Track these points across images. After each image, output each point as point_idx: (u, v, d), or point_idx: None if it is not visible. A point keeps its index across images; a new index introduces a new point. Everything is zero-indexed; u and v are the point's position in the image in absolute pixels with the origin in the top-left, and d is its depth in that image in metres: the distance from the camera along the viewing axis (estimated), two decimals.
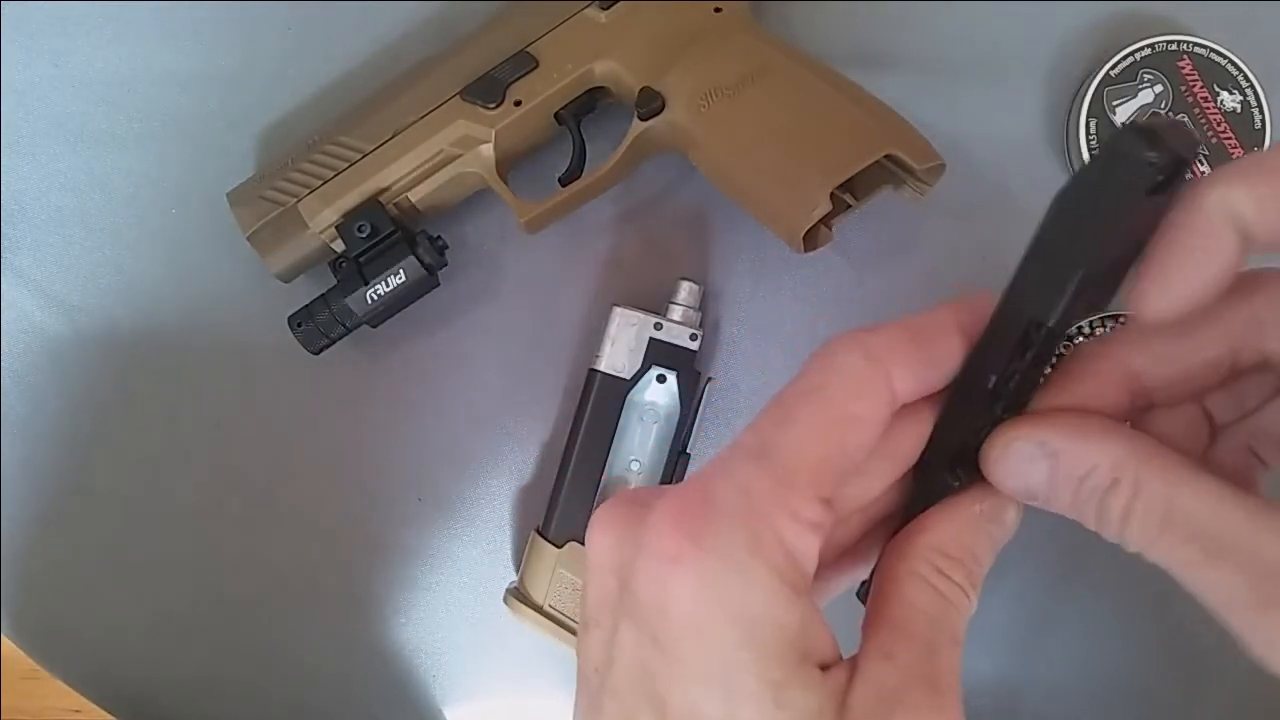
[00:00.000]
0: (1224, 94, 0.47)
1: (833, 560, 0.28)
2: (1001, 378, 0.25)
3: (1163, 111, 0.48)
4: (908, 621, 0.24)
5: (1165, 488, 0.23)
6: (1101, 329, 0.48)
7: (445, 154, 0.47)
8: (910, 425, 0.27)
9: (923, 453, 0.27)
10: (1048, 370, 0.27)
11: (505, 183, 0.47)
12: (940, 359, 0.25)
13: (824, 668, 0.23)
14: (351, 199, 0.47)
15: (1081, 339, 0.48)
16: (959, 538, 0.26)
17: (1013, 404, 0.26)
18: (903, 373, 0.24)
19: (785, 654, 0.22)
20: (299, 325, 0.48)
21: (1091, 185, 0.21)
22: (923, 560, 0.25)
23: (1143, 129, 0.20)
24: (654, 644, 0.23)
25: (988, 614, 0.51)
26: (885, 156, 0.43)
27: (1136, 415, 0.27)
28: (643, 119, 0.46)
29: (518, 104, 0.47)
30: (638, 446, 0.48)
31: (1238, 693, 0.50)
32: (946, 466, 0.27)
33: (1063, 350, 0.48)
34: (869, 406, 0.24)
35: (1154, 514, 0.23)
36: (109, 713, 0.53)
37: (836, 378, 0.24)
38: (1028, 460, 0.25)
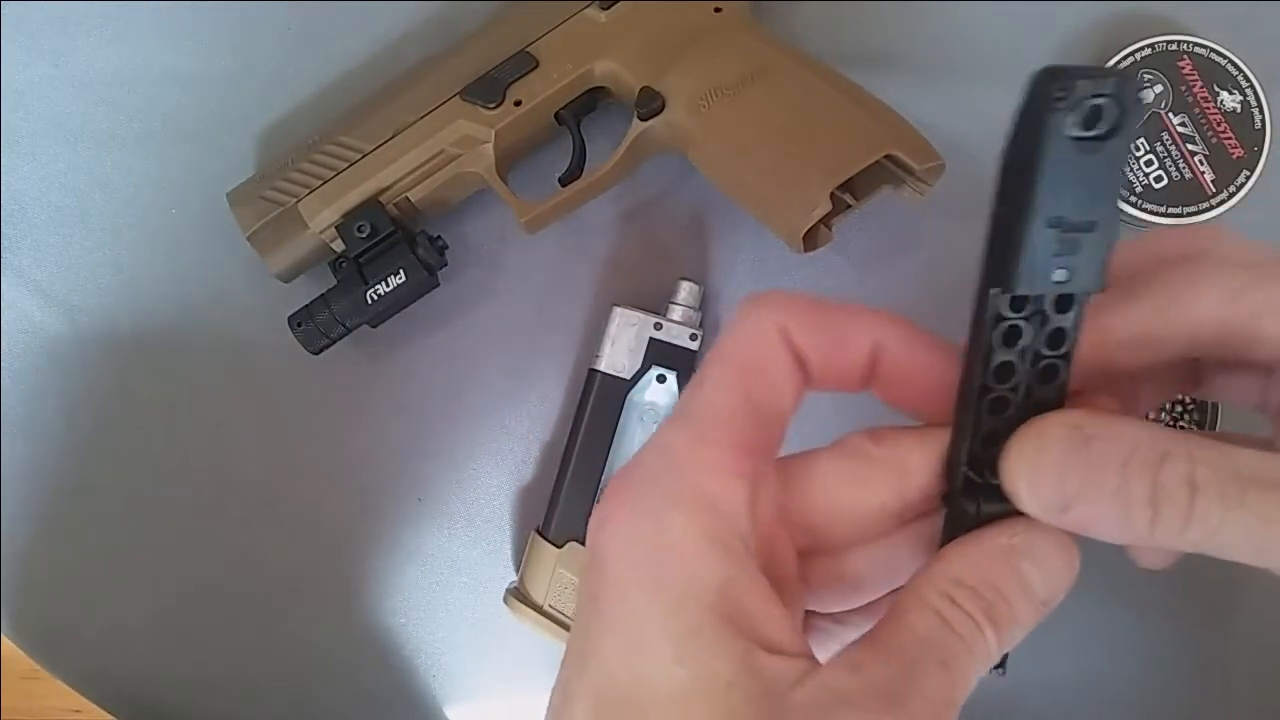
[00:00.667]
0: (1224, 94, 0.47)
1: (870, 612, 0.27)
2: (992, 371, 0.23)
3: (1162, 111, 0.48)
4: (892, 638, 0.22)
5: (1220, 452, 0.21)
6: None
7: (445, 154, 0.47)
8: (915, 441, 0.25)
9: (949, 482, 0.25)
10: (1061, 378, 0.24)
11: (505, 183, 0.47)
12: (831, 317, 0.24)
13: (771, 651, 0.22)
14: (351, 199, 0.47)
15: None
16: (978, 568, 0.23)
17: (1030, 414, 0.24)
18: (793, 319, 0.24)
19: (695, 609, 0.22)
20: (299, 325, 0.48)
21: (1018, 134, 0.21)
22: (931, 587, 0.23)
23: (1051, 69, 0.20)
24: (591, 604, 0.23)
25: None
26: (885, 156, 0.43)
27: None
28: (643, 119, 0.46)
29: (518, 104, 0.47)
30: (638, 446, 0.48)
31: (1237, 693, 0.50)
32: (964, 491, 0.24)
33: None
34: (765, 353, 0.24)
35: (1223, 477, 0.21)
36: (109, 713, 0.53)
37: (734, 332, 0.24)
38: (1060, 453, 0.22)
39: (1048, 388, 0.23)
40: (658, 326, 0.48)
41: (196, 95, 0.51)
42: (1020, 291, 0.22)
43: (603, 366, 0.48)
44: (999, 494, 0.23)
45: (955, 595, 0.22)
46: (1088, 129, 0.20)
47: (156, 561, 0.52)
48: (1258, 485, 0.21)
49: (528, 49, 0.47)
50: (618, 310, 0.48)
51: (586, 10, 0.47)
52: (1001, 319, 0.23)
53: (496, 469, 0.52)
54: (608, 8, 0.47)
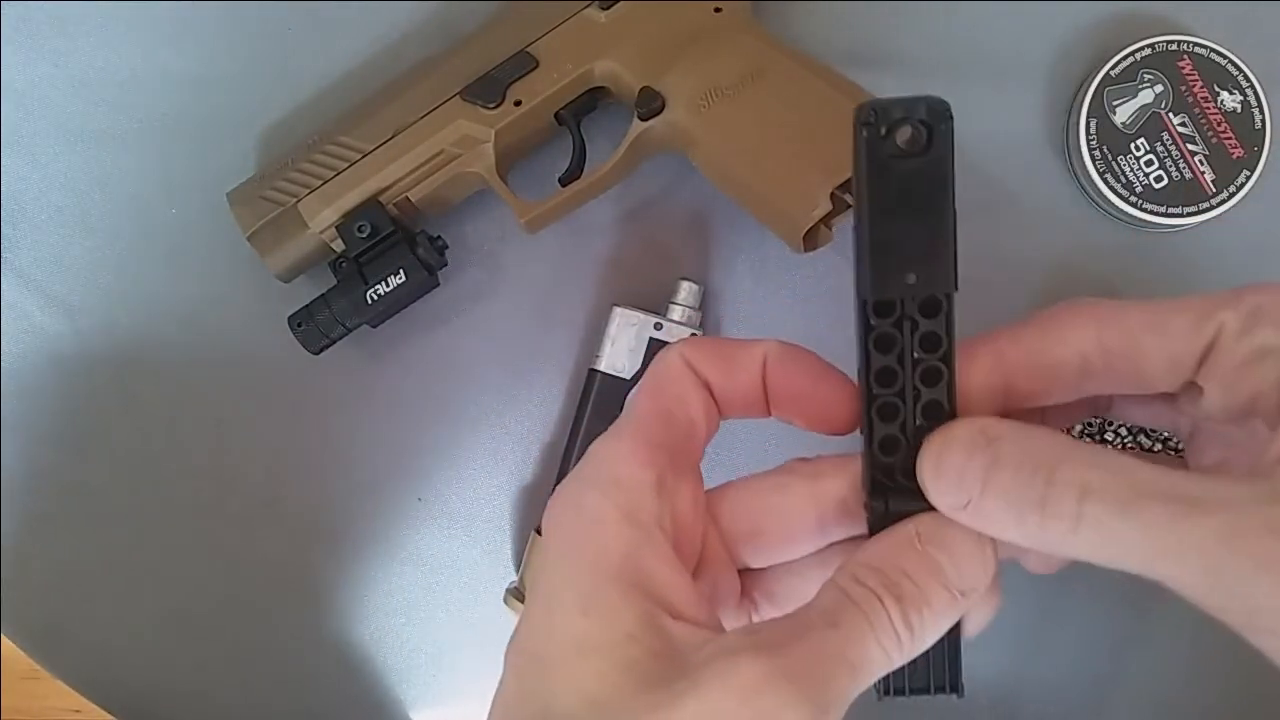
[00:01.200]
0: (1224, 94, 0.47)
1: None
2: (874, 377, 0.25)
3: (1162, 111, 0.48)
4: (796, 612, 0.24)
5: (1121, 464, 0.22)
6: None
7: (445, 154, 0.47)
8: (834, 459, 0.28)
9: (864, 488, 0.26)
10: (944, 383, 0.25)
11: (505, 183, 0.47)
12: (724, 348, 0.28)
13: (675, 617, 0.24)
14: (351, 199, 0.47)
15: None
16: (884, 551, 0.25)
17: (923, 421, 0.25)
18: (691, 349, 0.28)
19: (603, 572, 0.24)
20: (299, 325, 0.48)
21: (854, 160, 0.23)
22: (841, 571, 0.25)
23: (865, 105, 0.23)
24: (532, 584, 0.27)
25: None
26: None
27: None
28: (643, 119, 0.46)
29: (518, 104, 0.47)
30: None
31: (1237, 692, 0.50)
32: (872, 492, 0.26)
33: None
34: (670, 375, 0.28)
35: (1118, 485, 0.22)
36: (109, 713, 0.53)
37: (651, 368, 0.28)
38: (963, 453, 0.24)
39: (934, 390, 0.25)
40: (658, 326, 0.48)
41: (196, 95, 0.51)
42: (872, 296, 0.24)
43: (603, 366, 0.48)
44: (909, 495, 0.25)
45: (859, 574, 0.24)
46: (905, 149, 0.23)
47: (156, 561, 0.52)
48: (1151, 497, 0.21)
49: (528, 49, 0.47)
50: (618, 310, 0.48)
51: (586, 10, 0.47)
52: (871, 326, 0.25)
53: (496, 469, 0.52)
54: (608, 8, 0.47)
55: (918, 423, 0.25)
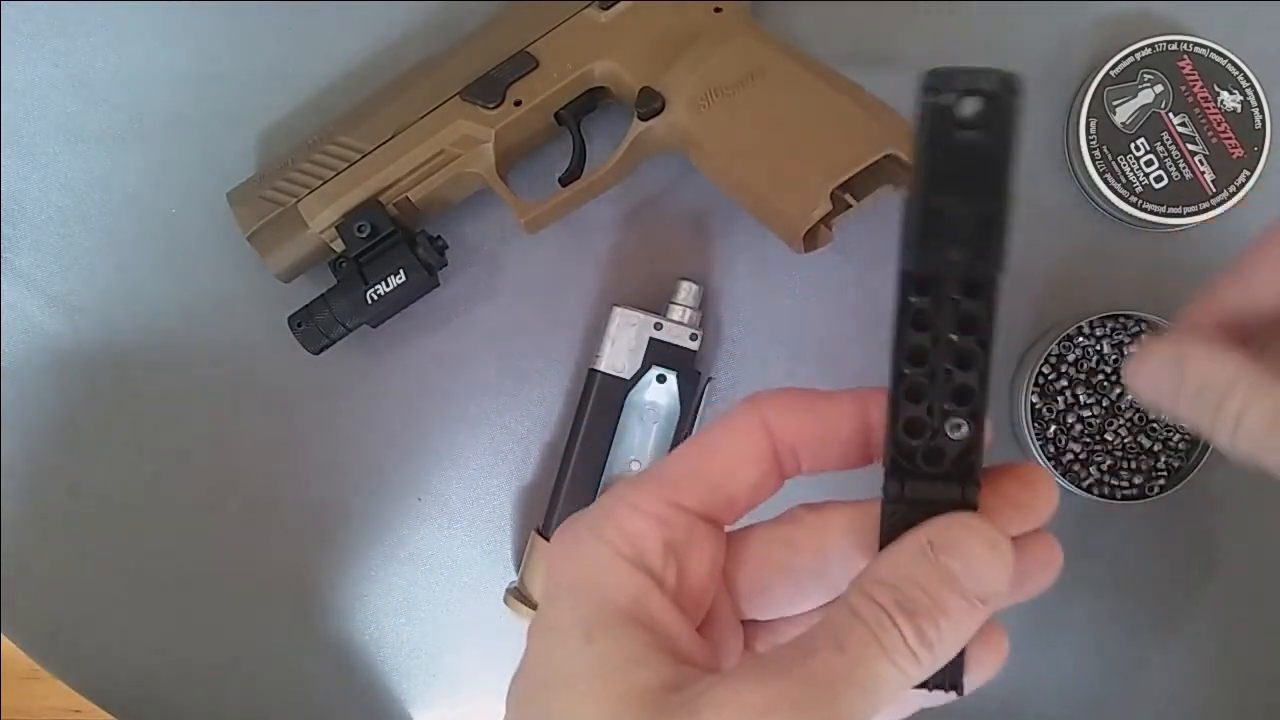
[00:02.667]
0: (1224, 94, 0.47)
1: None
2: (906, 355, 0.24)
3: (1162, 111, 0.48)
4: (803, 635, 0.23)
5: (1273, 396, 0.26)
6: (1102, 329, 0.48)
7: (445, 154, 0.47)
8: (842, 508, 0.27)
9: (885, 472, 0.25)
10: (977, 363, 0.24)
11: (505, 183, 0.47)
12: (817, 403, 0.27)
13: (681, 660, 0.24)
14: (351, 199, 0.47)
15: (1096, 341, 0.48)
16: (896, 564, 0.24)
17: (957, 408, 0.24)
18: (776, 411, 0.26)
19: (602, 605, 0.24)
20: (299, 325, 0.48)
21: (916, 127, 0.22)
22: (852, 588, 0.24)
23: (934, 71, 0.22)
24: (535, 618, 0.26)
25: None
26: (885, 156, 0.43)
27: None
28: (643, 119, 0.46)
29: (518, 104, 0.47)
30: (638, 446, 0.48)
31: (1238, 693, 0.50)
32: (891, 473, 0.25)
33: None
34: (737, 436, 0.26)
35: (1265, 416, 0.26)
36: (109, 713, 0.53)
37: (725, 420, 0.27)
38: (1159, 365, 0.28)
39: (968, 374, 0.24)
40: (658, 326, 0.48)
41: (196, 95, 0.51)
42: (916, 269, 0.23)
43: (603, 366, 0.48)
44: (928, 480, 0.24)
45: (870, 590, 0.23)
46: (969, 120, 0.22)
47: (156, 561, 0.52)
48: None
49: (528, 49, 0.47)
50: (618, 310, 0.48)
51: (586, 10, 0.47)
52: (909, 302, 0.24)
53: (496, 469, 0.52)
54: (608, 8, 0.47)
55: (946, 406, 0.24)
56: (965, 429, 0.24)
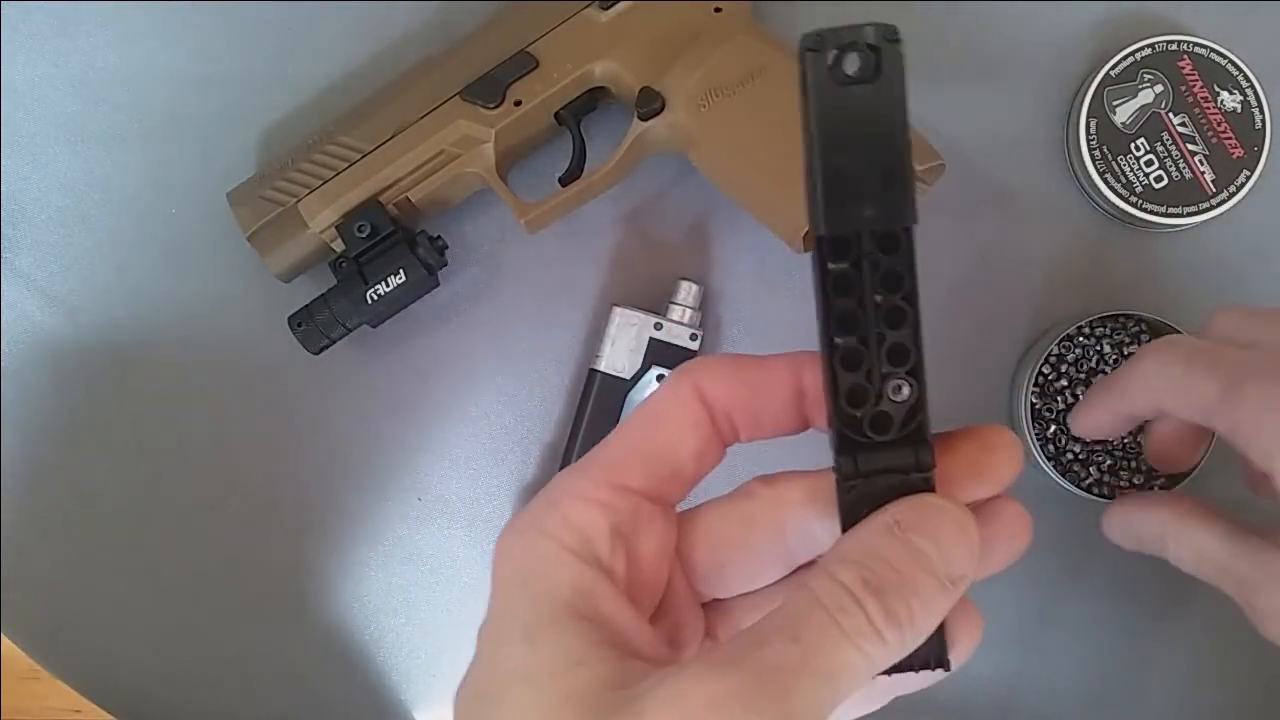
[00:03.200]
0: (1224, 94, 0.47)
1: None
2: (835, 322, 0.23)
3: (1162, 111, 0.48)
4: (765, 608, 0.23)
5: (1192, 537, 0.37)
6: (1102, 329, 0.48)
7: (445, 154, 0.47)
8: (797, 479, 0.26)
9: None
10: (902, 328, 0.24)
11: (505, 183, 0.47)
12: (747, 367, 0.26)
13: (629, 654, 0.23)
14: (351, 199, 0.47)
15: (1088, 341, 0.48)
16: (862, 542, 0.23)
17: (894, 368, 0.24)
18: (707, 376, 0.26)
19: (551, 605, 0.23)
20: (299, 325, 0.48)
21: (801, 91, 0.22)
22: (813, 570, 0.22)
23: (810, 33, 0.22)
24: (484, 618, 0.26)
25: (987, 614, 0.51)
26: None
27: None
28: (643, 119, 0.46)
29: (518, 104, 0.47)
30: None
31: (1238, 693, 0.50)
32: (840, 449, 0.24)
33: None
34: (671, 405, 0.26)
35: (1188, 551, 0.38)
36: (109, 713, 0.53)
37: (659, 393, 0.26)
38: (1120, 525, 0.41)
39: (899, 333, 0.23)
40: (658, 326, 0.48)
41: (196, 95, 0.51)
42: (827, 231, 0.23)
43: (603, 366, 0.48)
44: (880, 449, 0.24)
45: (834, 569, 0.22)
46: (855, 75, 0.22)
47: (156, 561, 0.52)
48: (1202, 563, 0.38)
49: (528, 49, 0.47)
50: (618, 310, 0.48)
51: (586, 10, 0.47)
52: (829, 268, 0.23)
53: (496, 469, 0.52)
54: (608, 8, 0.47)
55: (884, 370, 0.24)
56: (907, 389, 0.24)
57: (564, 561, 0.24)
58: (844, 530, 0.24)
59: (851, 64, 0.22)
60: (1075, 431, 0.42)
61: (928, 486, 0.24)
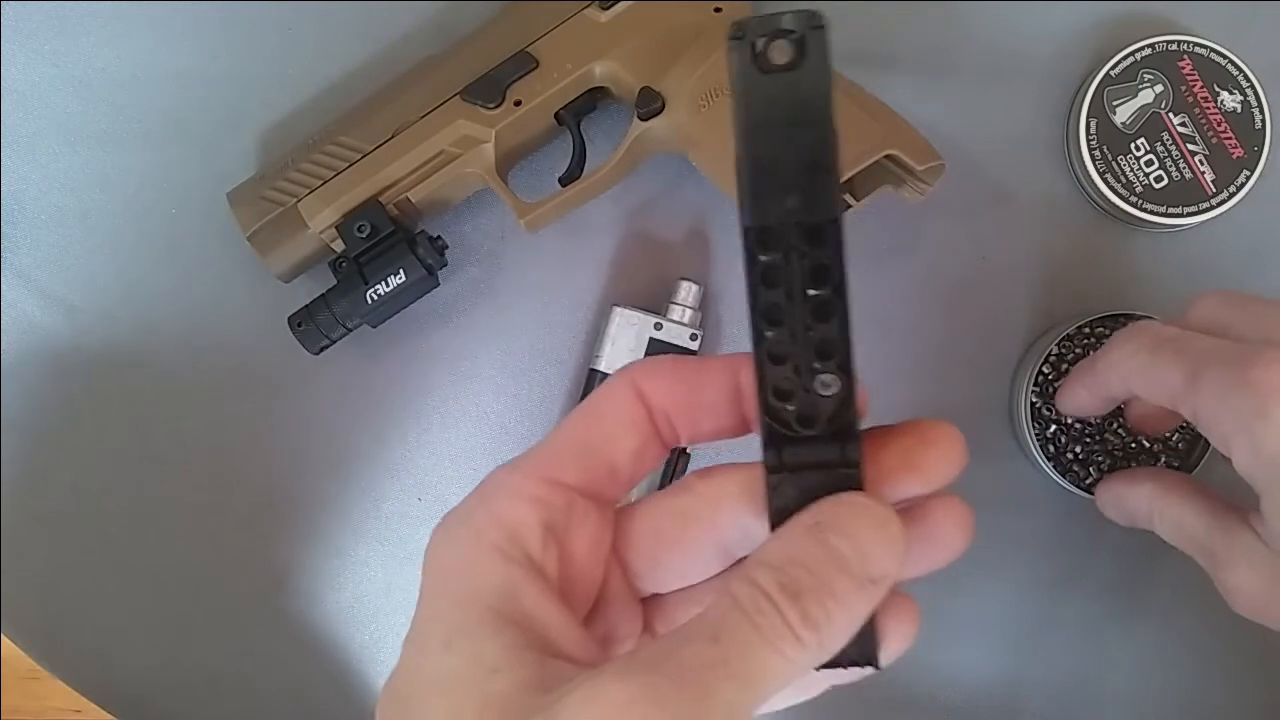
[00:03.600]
0: (1224, 94, 0.47)
1: None
2: (761, 314, 0.23)
3: (1162, 111, 0.48)
4: (704, 602, 0.23)
5: (1172, 511, 0.40)
6: (1102, 329, 0.48)
7: (445, 154, 0.47)
8: (732, 472, 0.26)
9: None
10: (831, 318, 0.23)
11: (505, 183, 0.47)
12: (685, 368, 0.26)
13: (553, 655, 0.22)
14: (351, 199, 0.47)
15: (1082, 338, 0.48)
16: (782, 546, 0.22)
17: (822, 362, 0.23)
18: (646, 376, 0.26)
19: (472, 607, 0.23)
20: (299, 325, 0.48)
21: (729, 80, 0.22)
22: (734, 574, 0.22)
23: (738, 21, 0.22)
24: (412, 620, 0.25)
25: (988, 614, 0.51)
26: (885, 156, 0.43)
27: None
28: (643, 119, 0.46)
29: (518, 104, 0.47)
30: None
31: (1238, 693, 0.50)
32: (768, 442, 0.24)
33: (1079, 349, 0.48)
34: (610, 402, 0.26)
35: (1169, 525, 0.40)
36: (109, 713, 0.53)
37: (598, 391, 0.26)
38: (1110, 500, 0.44)
39: (827, 326, 0.23)
40: (658, 326, 0.48)
41: (196, 95, 0.51)
42: (751, 222, 0.23)
43: (603, 366, 0.48)
44: (807, 444, 0.23)
45: (752, 573, 0.22)
46: (781, 64, 0.22)
47: (156, 561, 0.52)
48: (1181, 536, 0.40)
49: (528, 49, 0.47)
50: (618, 310, 0.48)
51: (586, 10, 0.47)
52: (756, 259, 0.23)
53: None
54: (608, 8, 0.47)
55: (813, 365, 0.23)
56: (836, 384, 0.23)
57: (489, 562, 0.24)
58: (772, 525, 0.24)
59: (775, 52, 0.22)
60: (1060, 409, 0.45)
61: (854, 483, 0.24)
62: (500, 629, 0.22)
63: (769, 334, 0.23)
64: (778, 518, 0.24)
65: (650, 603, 0.28)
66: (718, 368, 0.26)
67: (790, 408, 0.23)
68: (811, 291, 0.23)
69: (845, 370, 0.23)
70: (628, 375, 0.26)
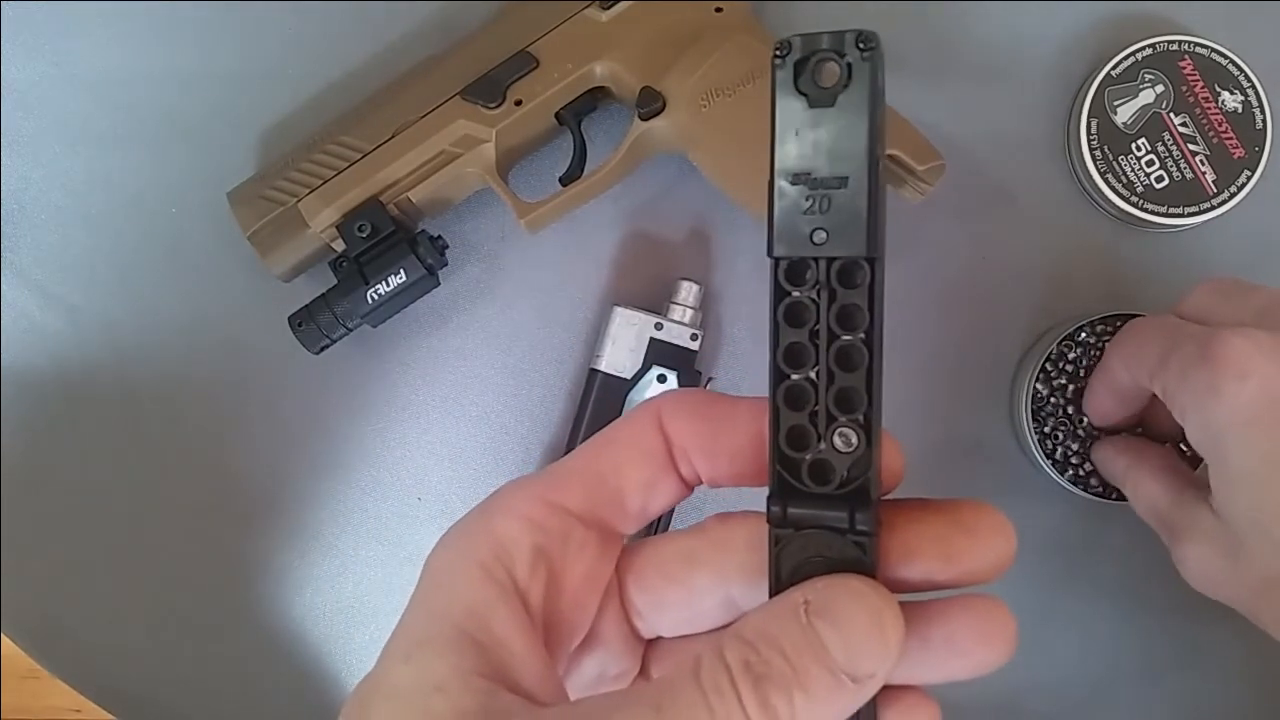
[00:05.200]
0: (1225, 94, 0.47)
1: None
2: (783, 354, 0.21)
3: (1163, 111, 0.48)
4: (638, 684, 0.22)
5: (1143, 485, 0.42)
6: (1103, 329, 0.48)
7: (446, 154, 0.47)
8: (744, 519, 0.25)
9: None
10: (862, 371, 0.21)
11: (505, 183, 0.47)
12: (712, 406, 0.25)
13: (509, 688, 0.21)
14: (352, 199, 0.47)
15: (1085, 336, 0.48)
16: (763, 621, 0.20)
17: (849, 416, 0.21)
18: (670, 409, 0.25)
19: (439, 621, 0.22)
20: (299, 325, 0.48)
21: (772, 101, 0.21)
22: (709, 643, 0.20)
23: (784, 40, 0.20)
24: None
25: None
26: (886, 156, 0.43)
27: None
28: (643, 119, 0.46)
29: (518, 104, 0.47)
30: None
31: (1238, 693, 0.50)
32: (776, 492, 0.22)
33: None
34: (628, 431, 0.25)
35: (1137, 497, 0.42)
36: (109, 713, 0.53)
37: (625, 417, 0.25)
38: (1099, 462, 0.46)
39: (851, 376, 0.21)
40: (658, 326, 0.48)
41: (196, 95, 0.51)
42: (778, 254, 0.21)
43: (603, 366, 0.48)
44: (813, 500, 0.21)
45: (724, 645, 0.20)
46: (824, 86, 0.20)
47: (156, 561, 0.52)
48: (1147, 511, 0.43)
49: (528, 49, 0.47)
50: (618, 310, 0.48)
51: (587, 10, 0.47)
52: (782, 293, 0.21)
53: (496, 469, 0.52)
54: (608, 8, 0.47)
55: (831, 414, 0.21)
56: (855, 439, 0.21)
57: (469, 578, 0.23)
58: (771, 589, 0.22)
59: (824, 74, 0.20)
60: (1090, 418, 0.47)
61: (863, 555, 0.21)
62: (459, 649, 0.21)
63: (789, 376, 0.21)
64: (777, 576, 0.22)
65: (654, 645, 0.26)
66: (745, 409, 0.24)
67: (803, 457, 0.21)
68: (840, 335, 0.21)
69: (868, 426, 0.21)
70: (654, 405, 0.25)
